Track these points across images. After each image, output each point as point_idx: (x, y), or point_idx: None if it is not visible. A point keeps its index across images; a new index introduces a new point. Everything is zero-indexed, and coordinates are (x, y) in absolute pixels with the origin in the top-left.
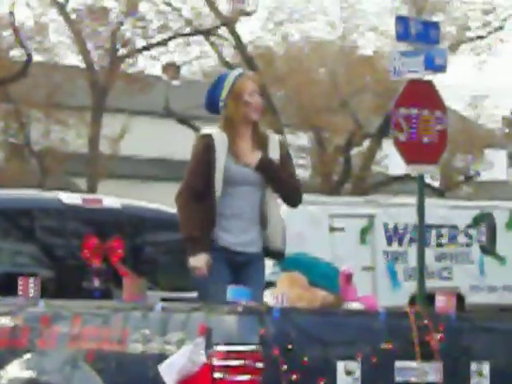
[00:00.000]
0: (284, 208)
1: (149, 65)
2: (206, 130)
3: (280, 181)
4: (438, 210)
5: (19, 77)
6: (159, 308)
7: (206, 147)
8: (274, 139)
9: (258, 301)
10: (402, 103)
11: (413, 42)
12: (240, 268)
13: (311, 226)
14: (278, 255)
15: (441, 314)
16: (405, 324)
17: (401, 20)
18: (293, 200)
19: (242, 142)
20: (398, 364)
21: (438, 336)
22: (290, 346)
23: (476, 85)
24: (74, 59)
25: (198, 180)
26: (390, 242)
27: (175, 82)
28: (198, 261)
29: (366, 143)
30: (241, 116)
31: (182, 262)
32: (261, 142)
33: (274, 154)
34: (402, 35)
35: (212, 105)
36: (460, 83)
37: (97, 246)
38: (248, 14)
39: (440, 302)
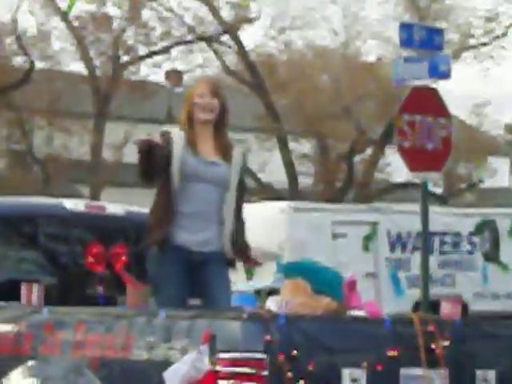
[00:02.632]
0: (286, 214)
1: (151, 72)
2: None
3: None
4: (441, 218)
5: (22, 84)
6: (163, 314)
7: (163, 137)
8: (238, 151)
9: (220, 302)
10: (406, 110)
11: (416, 48)
12: (198, 268)
13: (314, 233)
14: (227, 262)
15: (446, 320)
16: (410, 331)
17: (405, 26)
18: None
19: (201, 142)
20: (404, 371)
21: (444, 343)
22: (294, 353)
23: (479, 92)
24: (76, 66)
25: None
26: (393, 249)
27: (178, 89)
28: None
29: (369, 150)
30: (186, 116)
31: None
32: (223, 149)
33: (236, 166)
34: (406, 42)
35: None
36: (463, 90)
37: (100, 253)
38: (251, 21)
39: (445, 308)
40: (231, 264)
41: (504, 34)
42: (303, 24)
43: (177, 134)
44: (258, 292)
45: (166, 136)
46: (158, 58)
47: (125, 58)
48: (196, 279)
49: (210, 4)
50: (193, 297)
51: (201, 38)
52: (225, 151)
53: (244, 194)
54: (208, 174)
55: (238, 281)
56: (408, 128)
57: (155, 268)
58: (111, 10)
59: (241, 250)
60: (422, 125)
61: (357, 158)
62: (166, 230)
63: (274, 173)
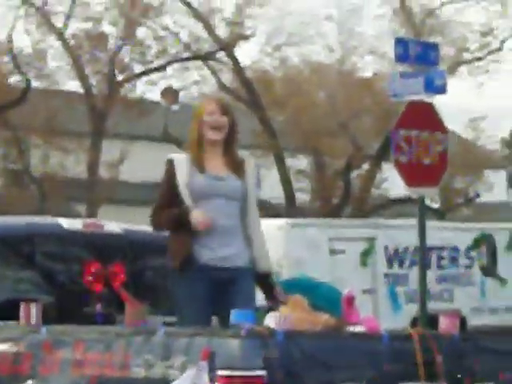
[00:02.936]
0: (284, 231)
1: (147, 90)
2: (171, 154)
3: None
4: (439, 232)
5: (18, 103)
6: (162, 332)
7: (166, 170)
8: (250, 164)
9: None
10: (402, 125)
11: (412, 63)
12: (224, 285)
13: (311, 249)
14: (264, 277)
15: (444, 335)
16: (408, 346)
17: (400, 42)
18: None
19: (210, 159)
20: None
21: (442, 358)
22: (293, 369)
23: (475, 106)
24: (72, 85)
25: (164, 202)
26: (390, 264)
27: (174, 107)
28: (197, 216)
29: (366, 166)
30: (196, 135)
31: None
32: (234, 165)
33: (250, 179)
34: (402, 57)
35: None
36: (459, 105)
37: (98, 271)
38: (246, 37)
39: (443, 323)
40: (263, 277)
41: (499, 49)
42: (299, 40)
43: (180, 160)
44: (256, 309)
45: (167, 163)
46: (153, 76)
47: (121, 76)
48: (219, 298)
49: (206, 22)
50: (216, 315)
51: (196, 56)
52: (236, 166)
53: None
54: (218, 188)
55: None
56: (404, 143)
57: (178, 288)
58: (107, 28)
59: (266, 284)
60: (419, 140)
61: (353, 174)
62: (188, 249)
63: (270, 189)
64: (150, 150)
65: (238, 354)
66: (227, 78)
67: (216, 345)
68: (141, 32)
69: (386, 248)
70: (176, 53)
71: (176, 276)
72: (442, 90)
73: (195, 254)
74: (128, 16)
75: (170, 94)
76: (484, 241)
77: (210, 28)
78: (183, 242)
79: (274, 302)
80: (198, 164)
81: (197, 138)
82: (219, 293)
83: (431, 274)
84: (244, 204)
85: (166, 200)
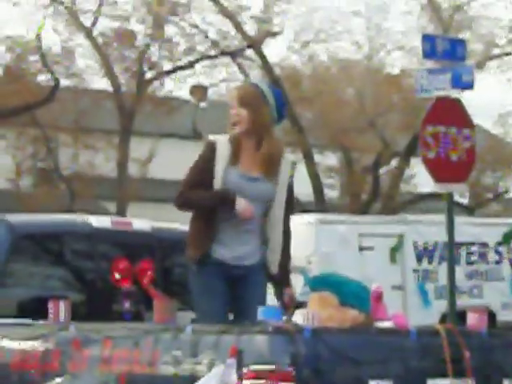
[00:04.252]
0: (313, 228)
1: (176, 87)
2: (213, 136)
3: None
4: (468, 228)
5: (47, 102)
6: (190, 329)
7: (206, 152)
8: (286, 163)
9: (249, 317)
10: (430, 121)
11: (439, 59)
12: (237, 282)
13: (341, 246)
14: (273, 279)
15: (472, 331)
16: (436, 342)
17: (427, 38)
18: None
19: (244, 154)
20: (431, 382)
21: (470, 353)
22: (321, 366)
23: (503, 102)
24: (101, 83)
25: (195, 183)
26: (419, 260)
27: (202, 104)
28: (242, 205)
29: (394, 162)
30: (228, 128)
31: None
32: (266, 163)
33: (284, 181)
34: (429, 53)
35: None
36: (487, 100)
37: (127, 269)
38: (274, 35)
39: (471, 319)
40: (273, 279)
41: None
42: (327, 37)
43: (222, 144)
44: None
45: (209, 144)
46: (182, 74)
47: (149, 74)
48: (236, 293)
49: (234, 19)
50: (231, 311)
51: (225, 53)
52: (268, 166)
53: (291, 209)
54: (249, 190)
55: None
56: (432, 139)
57: (196, 283)
58: (135, 26)
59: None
60: (446, 136)
61: (382, 170)
62: (206, 245)
63: (299, 186)
64: (179, 147)
65: (266, 350)
66: (255, 74)
67: (243, 342)
68: (169, 30)
69: (415, 244)
70: (204, 50)
71: (193, 270)
72: (469, 85)
73: (213, 250)
74: (156, 14)
75: (199, 91)
76: None
77: (238, 25)
78: (204, 236)
79: (282, 305)
80: (234, 158)
81: (231, 131)
82: (231, 288)
83: (460, 270)
84: (269, 207)
85: (198, 181)
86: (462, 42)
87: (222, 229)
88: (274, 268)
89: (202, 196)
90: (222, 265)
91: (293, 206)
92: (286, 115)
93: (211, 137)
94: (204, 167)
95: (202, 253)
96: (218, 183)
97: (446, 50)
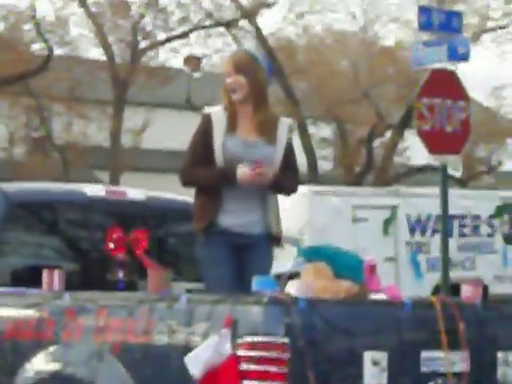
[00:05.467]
0: (306, 199)
1: (170, 57)
2: (208, 108)
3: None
4: (461, 201)
5: (40, 71)
6: (184, 299)
7: (202, 125)
8: (283, 126)
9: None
10: (425, 93)
11: (435, 31)
12: (242, 250)
13: (334, 218)
14: (274, 240)
15: (467, 303)
16: (431, 314)
17: (423, 10)
18: (286, 194)
19: (241, 121)
20: (425, 354)
21: (464, 325)
22: (315, 337)
23: (498, 75)
24: (95, 53)
25: (197, 158)
26: (412, 232)
27: (196, 75)
28: (243, 174)
29: (388, 134)
30: (225, 96)
31: None
32: (264, 128)
33: (281, 140)
34: (425, 25)
35: None
36: (482, 73)
37: (120, 238)
38: (269, 5)
39: (466, 291)
40: (277, 242)
41: None
42: (322, 8)
43: (217, 114)
44: (278, 276)
45: (205, 118)
46: (176, 44)
47: (143, 44)
48: (241, 261)
49: None
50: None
51: (219, 24)
52: (266, 129)
53: (289, 171)
54: (249, 155)
55: None
56: (427, 111)
57: (202, 253)
58: None
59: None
60: (441, 108)
61: (376, 143)
62: (212, 215)
63: None
64: (173, 117)
65: (260, 321)
66: (250, 45)
67: (238, 312)
68: None
69: (408, 216)
70: (198, 21)
71: (199, 241)
72: (465, 57)
73: (219, 218)
74: None
75: (193, 61)
76: (506, 209)
77: None
78: (209, 207)
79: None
80: (232, 126)
81: (226, 99)
82: (238, 256)
83: (453, 242)
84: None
85: (200, 157)
86: (458, 14)
87: (226, 198)
88: (274, 228)
89: (204, 176)
90: (227, 234)
91: (295, 166)
92: (272, 77)
93: (206, 109)
94: (203, 141)
95: (209, 222)
96: (218, 154)
97: (442, 22)
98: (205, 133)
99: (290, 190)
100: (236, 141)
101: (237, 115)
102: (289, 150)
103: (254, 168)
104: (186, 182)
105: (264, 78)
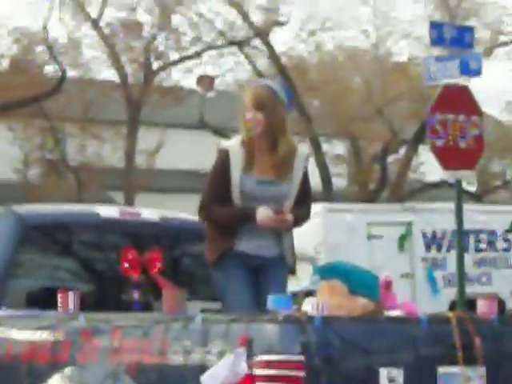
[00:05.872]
0: (321, 216)
1: (183, 77)
2: (225, 142)
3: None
4: (476, 216)
5: (54, 93)
6: (199, 319)
7: (220, 161)
8: (300, 155)
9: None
10: (438, 108)
11: (447, 46)
12: (257, 271)
13: (349, 235)
14: (288, 269)
15: (483, 318)
16: (447, 329)
17: (435, 25)
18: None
19: (258, 157)
20: (441, 370)
21: (481, 341)
22: (331, 354)
23: (511, 89)
24: (108, 74)
25: (216, 195)
26: (428, 248)
27: (210, 94)
28: (263, 216)
29: (402, 150)
30: (243, 129)
31: None
32: (280, 165)
33: (297, 174)
34: (437, 40)
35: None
36: (495, 88)
37: (135, 259)
38: (281, 24)
39: (482, 306)
40: (292, 272)
41: None
42: (333, 26)
43: (234, 150)
44: (294, 294)
45: (222, 154)
46: (189, 64)
47: (156, 64)
48: (257, 282)
49: (240, 8)
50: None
51: (231, 43)
52: (283, 168)
53: (304, 199)
54: (267, 194)
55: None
56: (440, 127)
57: (220, 276)
58: (142, 16)
59: None
60: (454, 123)
61: (390, 159)
62: (226, 246)
63: None
64: (186, 137)
65: (276, 339)
66: (262, 64)
67: (253, 331)
68: (175, 19)
69: (423, 232)
70: (211, 40)
71: (214, 268)
72: (477, 72)
73: (234, 246)
74: (163, 4)
75: (206, 81)
76: None
77: (244, 14)
78: (223, 239)
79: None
80: (249, 164)
81: (245, 134)
82: (254, 277)
83: (469, 258)
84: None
85: (218, 193)
86: (470, 29)
87: (241, 228)
88: (288, 257)
89: (224, 215)
90: (242, 256)
91: (308, 192)
92: (293, 107)
93: (223, 143)
94: (221, 177)
95: (224, 250)
96: (235, 191)
97: (454, 37)
98: (222, 170)
99: (304, 222)
100: (252, 180)
101: (254, 151)
102: (304, 180)
103: (277, 214)
104: (205, 218)
105: (283, 112)
